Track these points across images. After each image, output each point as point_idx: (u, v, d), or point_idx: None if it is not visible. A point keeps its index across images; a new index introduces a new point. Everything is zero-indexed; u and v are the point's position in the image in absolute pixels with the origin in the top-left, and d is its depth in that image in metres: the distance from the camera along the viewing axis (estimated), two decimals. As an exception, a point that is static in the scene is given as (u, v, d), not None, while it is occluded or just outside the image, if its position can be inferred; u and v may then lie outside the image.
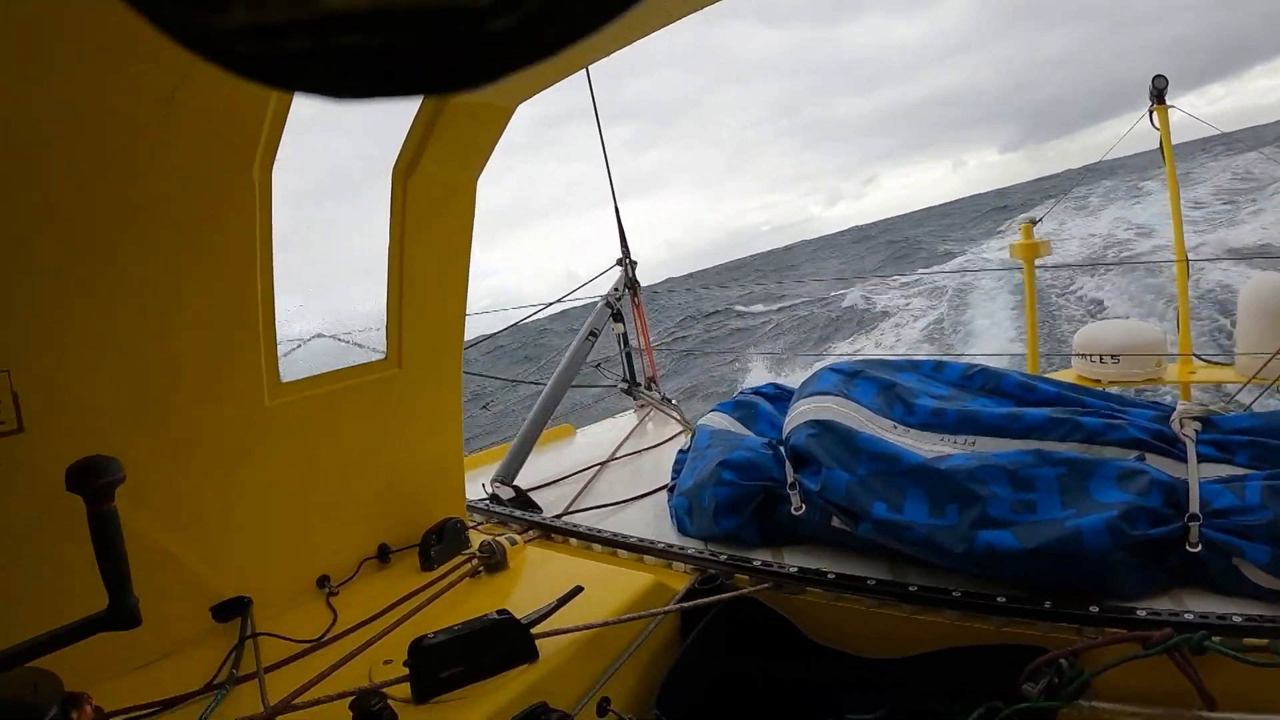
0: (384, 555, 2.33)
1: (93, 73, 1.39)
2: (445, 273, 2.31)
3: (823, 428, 2.19)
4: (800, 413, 2.30)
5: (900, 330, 19.40)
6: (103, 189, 1.56)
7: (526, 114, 2.18)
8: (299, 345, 2.95)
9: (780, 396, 2.91)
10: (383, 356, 2.26)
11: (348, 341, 2.53)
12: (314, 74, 0.25)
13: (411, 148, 2.08)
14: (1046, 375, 4.62)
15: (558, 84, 2.11)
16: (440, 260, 2.29)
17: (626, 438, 3.70)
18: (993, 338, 15.53)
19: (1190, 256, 4.93)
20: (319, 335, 2.96)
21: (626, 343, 4.37)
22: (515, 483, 2.95)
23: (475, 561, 2.15)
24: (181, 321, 1.76)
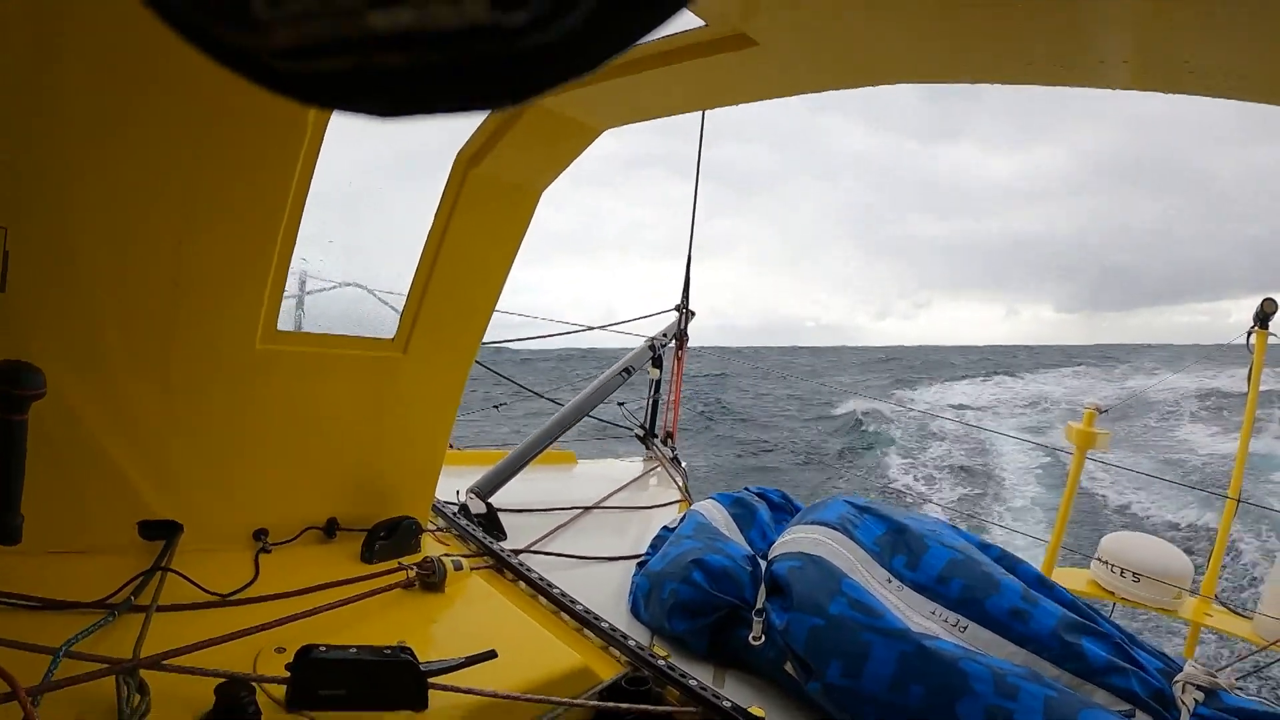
0: (330, 530, 2.24)
1: None
2: (482, 275, 2.22)
3: (809, 561, 2.04)
4: (793, 540, 2.15)
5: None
6: (140, 64, 1.46)
7: (603, 148, 2.09)
8: (333, 287, 2.90)
9: (783, 507, 2.78)
10: (390, 336, 2.18)
11: (380, 299, 2.46)
12: (351, 92, 0.25)
13: (481, 139, 1.99)
14: (1060, 569, 4.39)
15: (640, 126, 2.03)
16: (480, 261, 2.19)
17: (623, 487, 3.57)
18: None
19: (1242, 498, 4.67)
20: (353, 284, 2.90)
21: (657, 390, 4.26)
22: (492, 499, 2.83)
23: (414, 574, 2.04)
24: (195, 232, 1.68)
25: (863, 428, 21.97)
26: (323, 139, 1.73)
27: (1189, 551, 4.49)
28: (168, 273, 1.70)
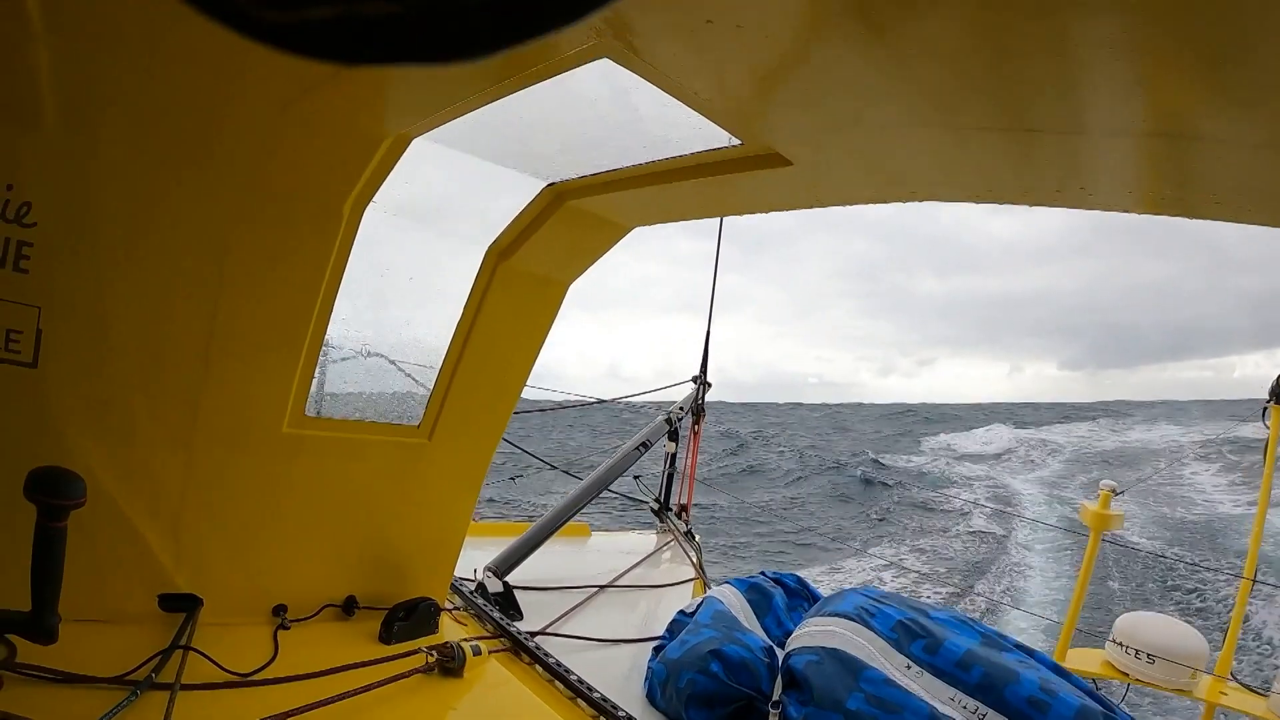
0: (349, 608, 2.24)
1: (207, 64, 1.33)
2: (508, 364, 2.26)
3: (827, 655, 2.04)
4: (809, 633, 2.15)
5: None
6: (176, 147, 1.50)
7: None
8: (352, 356, 2.95)
9: (799, 593, 2.76)
10: (416, 421, 2.20)
11: (401, 370, 2.50)
12: (340, 41, 0.25)
13: (514, 233, 2.05)
14: (1074, 649, 4.31)
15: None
16: (507, 350, 2.23)
17: (638, 563, 3.55)
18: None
19: (1258, 578, 4.60)
20: (376, 354, 2.95)
21: (673, 464, 4.26)
22: (509, 578, 2.83)
23: (433, 659, 2.03)
24: (227, 315, 1.71)
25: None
26: (358, 226, 1.77)
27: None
28: (198, 353, 1.74)
